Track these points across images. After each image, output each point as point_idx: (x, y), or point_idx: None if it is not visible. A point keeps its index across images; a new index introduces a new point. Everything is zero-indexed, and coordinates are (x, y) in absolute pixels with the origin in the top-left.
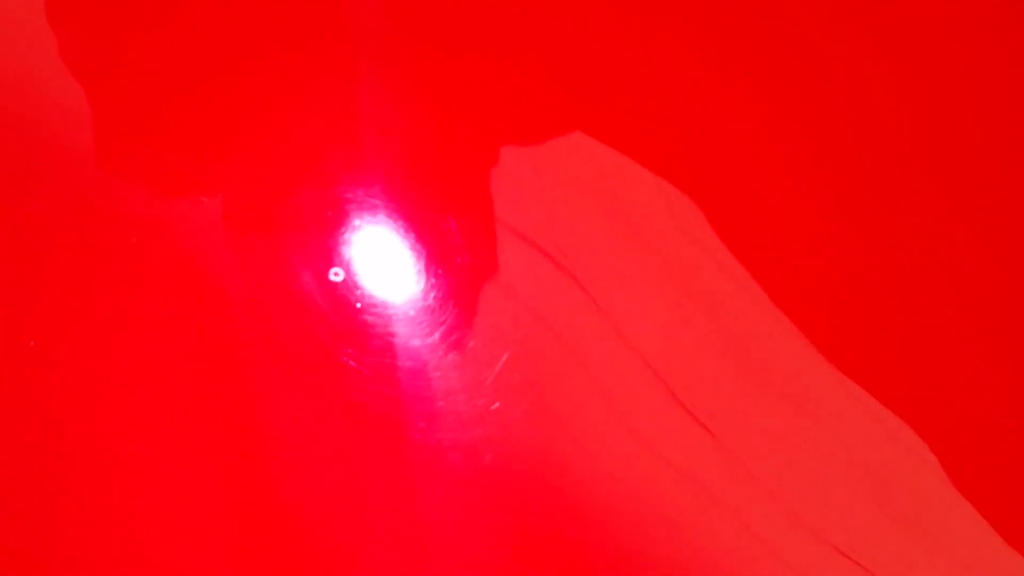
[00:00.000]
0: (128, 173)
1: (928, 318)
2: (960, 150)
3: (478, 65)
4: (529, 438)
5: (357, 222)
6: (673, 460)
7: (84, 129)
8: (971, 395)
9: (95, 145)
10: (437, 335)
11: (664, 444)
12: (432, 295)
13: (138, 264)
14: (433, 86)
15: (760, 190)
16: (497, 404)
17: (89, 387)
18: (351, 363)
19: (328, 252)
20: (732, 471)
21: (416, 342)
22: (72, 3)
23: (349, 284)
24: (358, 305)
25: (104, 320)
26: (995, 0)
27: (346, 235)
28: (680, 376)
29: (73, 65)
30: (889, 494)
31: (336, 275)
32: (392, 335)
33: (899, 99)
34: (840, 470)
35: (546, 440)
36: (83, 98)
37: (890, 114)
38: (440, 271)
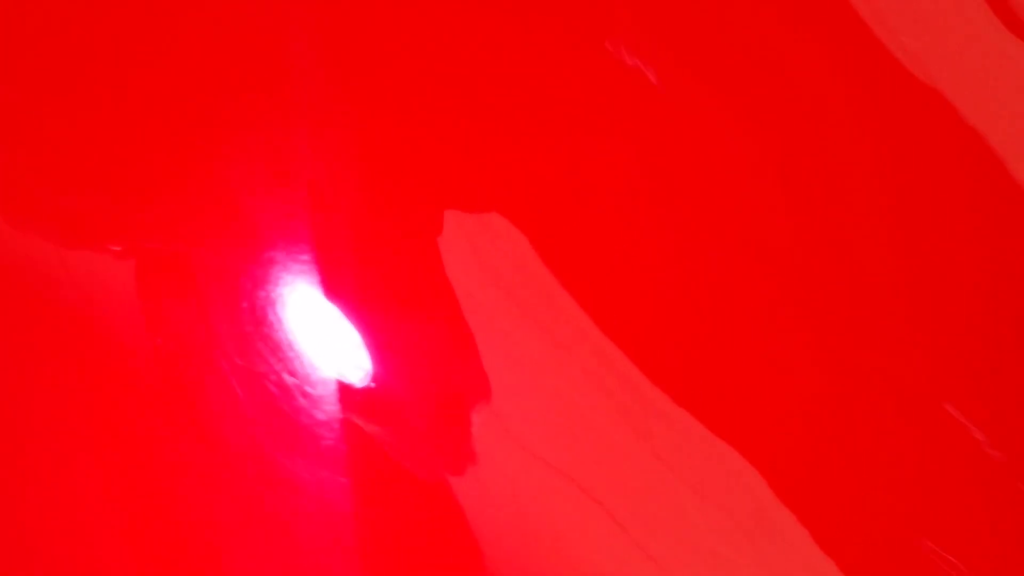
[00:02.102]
0: (28, 222)
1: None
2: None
3: (423, 128)
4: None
5: (281, 285)
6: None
7: None
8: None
9: None
10: (348, 402)
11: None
12: (355, 367)
13: (38, 323)
14: (372, 147)
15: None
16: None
17: None
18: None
19: (247, 310)
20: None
21: (323, 410)
22: None
23: (264, 348)
24: (277, 367)
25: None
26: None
27: (268, 298)
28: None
29: None
30: None
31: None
32: (303, 408)
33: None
34: None
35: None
36: None
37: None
38: (365, 341)
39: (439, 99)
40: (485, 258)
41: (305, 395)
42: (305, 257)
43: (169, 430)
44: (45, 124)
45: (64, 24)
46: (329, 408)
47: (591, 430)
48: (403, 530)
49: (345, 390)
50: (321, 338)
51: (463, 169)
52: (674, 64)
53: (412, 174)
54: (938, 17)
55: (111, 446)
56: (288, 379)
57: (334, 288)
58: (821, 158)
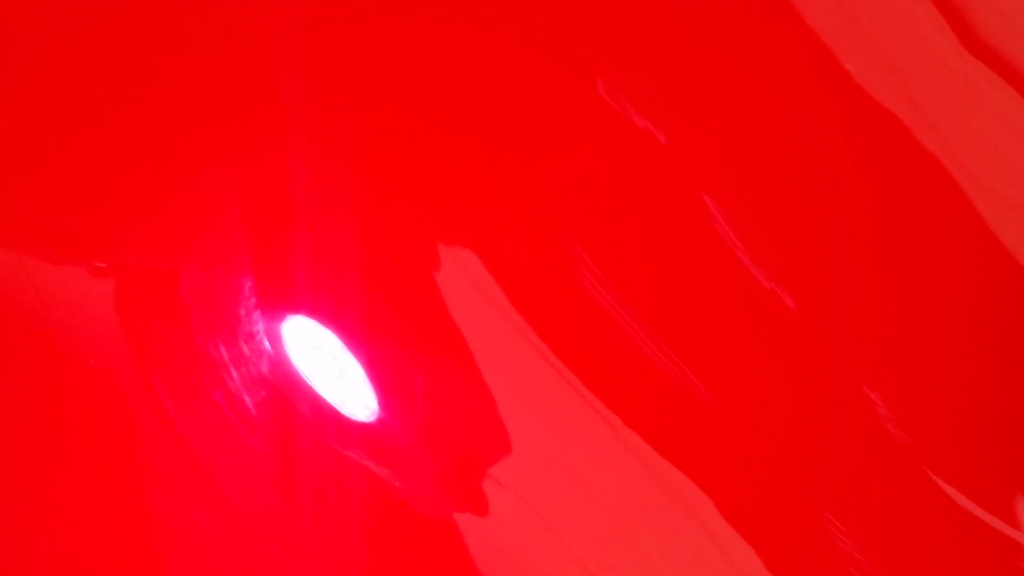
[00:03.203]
0: (12, 238)
1: None
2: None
3: (416, 155)
4: None
5: (265, 307)
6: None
7: None
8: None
9: None
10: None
11: None
12: (340, 391)
13: (20, 341)
14: (367, 168)
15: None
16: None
17: None
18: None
19: (229, 331)
20: None
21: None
22: None
23: (251, 370)
24: (262, 393)
25: None
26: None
27: (250, 318)
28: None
29: None
30: None
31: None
32: (280, 433)
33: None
34: None
35: None
36: None
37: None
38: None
39: (432, 129)
40: (486, 293)
41: (299, 424)
42: (296, 280)
43: (152, 450)
44: (31, 140)
45: (48, 42)
46: (327, 442)
47: (594, 470)
48: (406, 567)
49: (349, 427)
50: (318, 368)
51: (461, 202)
52: (672, 113)
53: (408, 201)
54: (897, 39)
55: (89, 461)
56: (268, 406)
57: (328, 314)
58: (782, 172)
